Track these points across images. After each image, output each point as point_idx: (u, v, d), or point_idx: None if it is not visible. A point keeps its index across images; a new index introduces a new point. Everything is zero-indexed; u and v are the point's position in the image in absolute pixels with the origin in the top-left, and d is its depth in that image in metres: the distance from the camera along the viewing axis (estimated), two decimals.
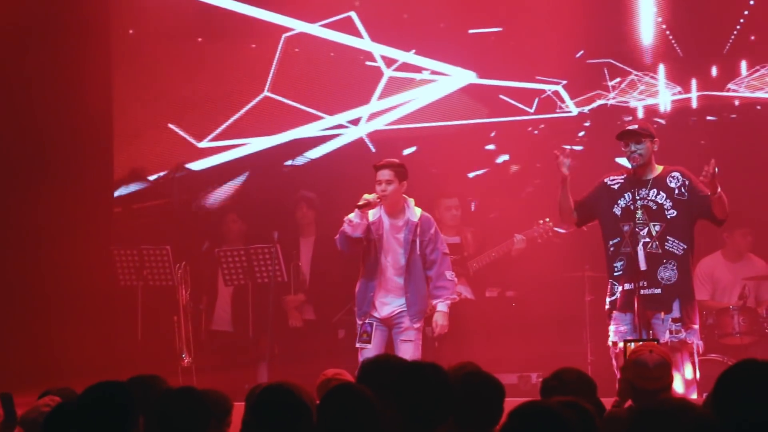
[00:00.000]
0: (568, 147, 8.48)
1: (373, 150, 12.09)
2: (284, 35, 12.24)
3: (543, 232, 10.68)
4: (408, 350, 8.52)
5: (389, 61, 12.17)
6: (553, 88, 11.92)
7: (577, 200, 8.32)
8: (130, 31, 12.39)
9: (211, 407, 4.59)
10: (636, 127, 8.21)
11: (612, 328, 8.12)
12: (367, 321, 8.60)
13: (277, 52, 12.24)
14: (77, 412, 4.16)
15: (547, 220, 10.72)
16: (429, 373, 4.34)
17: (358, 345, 8.57)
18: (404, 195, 8.73)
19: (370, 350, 8.43)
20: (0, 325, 11.16)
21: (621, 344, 7.73)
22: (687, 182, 8.05)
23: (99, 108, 12.15)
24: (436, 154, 11.78)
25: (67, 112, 11.69)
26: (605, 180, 8.27)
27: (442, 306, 8.65)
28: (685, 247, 8.04)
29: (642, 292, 7.93)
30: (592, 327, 9.61)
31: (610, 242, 8.19)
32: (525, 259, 10.90)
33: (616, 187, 8.19)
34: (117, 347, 11.15)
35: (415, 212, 8.68)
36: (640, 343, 6.18)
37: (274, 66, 12.26)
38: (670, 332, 7.92)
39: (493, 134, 12.10)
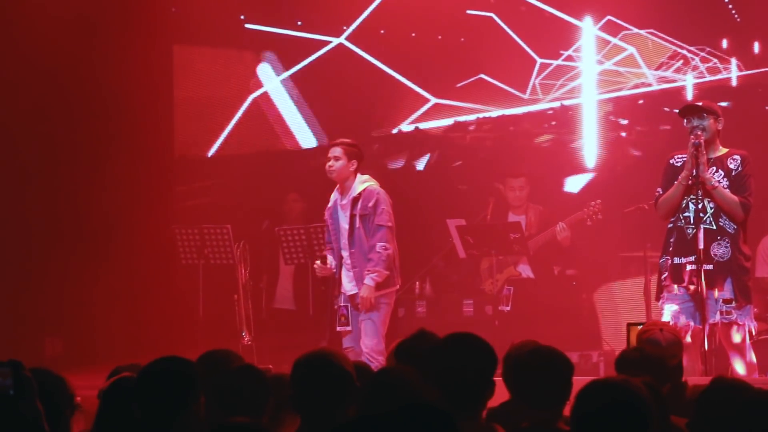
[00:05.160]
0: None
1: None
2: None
3: (592, 213, 10.64)
4: (365, 329, 8.62)
5: None
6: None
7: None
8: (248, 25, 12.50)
9: (271, 387, 4.60)
10: (700, 104, 8.09)
11: (666, 306, 7.95)
12: (342, 304, 8.76)
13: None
14: (139, 385, 4.18)
15: (598, 201, 10.68)
16: (458, 344, 4.29)
17: (338, 328, 8.79)
18: (357, 173, 8.77)
19: (351, 333, 8.70)
20: (63, 303, 11.29)
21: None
22: (740, 169, 7.89)
23: (160, 87, 12.25)
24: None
25: (129, 92, 11.76)
26: (670, 161, 8.14)
27: (366, 280, 8.61)
28: (736, 227, 7.87)
29: (692, 267, 7.78)
30: (654, 306, 9.54)
31: (671, 217, 8.06)
32: (586, 239, 10.85)
33: (679, 164, 8.04)
34: (178, 326, 11.25)
35: (358, 187, 8.71)
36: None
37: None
38: (721, 313, 7.78)
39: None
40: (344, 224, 8.76)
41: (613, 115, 12.03)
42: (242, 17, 12.54)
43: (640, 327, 5.90)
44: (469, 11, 12.08)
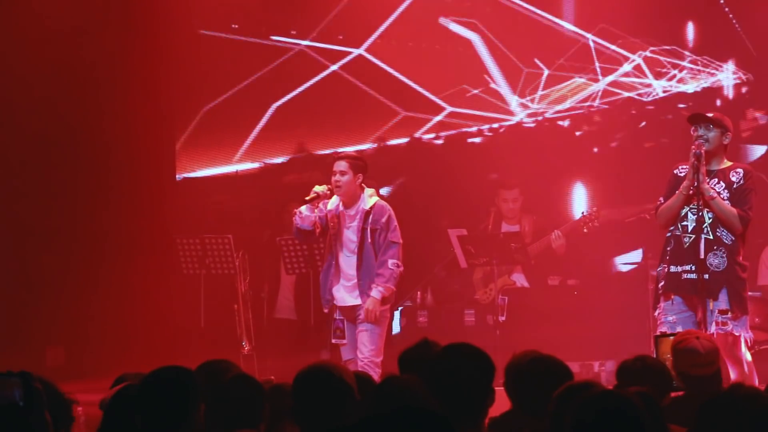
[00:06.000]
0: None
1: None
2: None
3: (589, 221, 10.61)
4: (363, 338, 8.64)
5: None
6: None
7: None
8: (202, 31, 12.46)
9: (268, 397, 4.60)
10: (710, 114, 8.05)
11: (662, 316, 7.91)
12: (338, 317, 8.79)
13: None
14: (140, 395, 4.19)
15: (595, 209, 10.66)
16: (455, 354, 4.30)
17: (333, 341, 8.85)
18: (363, 186, 8.80)
19: (346, 346, 8.74)
20: (65, 313, 11.29)
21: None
22: (742, 182, 7.87)
23: (160, 99, 12.26)
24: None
25: (130, 105, 11.78)
26: (674, 171, 8.12)
27: (374, 292, 8.63)
28: (733, 238, 7.87)
29: (687, 276, 7.78)
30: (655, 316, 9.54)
31: (670, 227, 8.04)
32: (587, 248, 10.84)
33: (683, 174, 8.02)
34: (180, 335, 11.25)
35: (368, 201, 8.75)
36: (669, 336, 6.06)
37: None
38: (717, 324, 7.76)
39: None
40: (351, 235, 8.75)
41: (606, 124, 12.03)
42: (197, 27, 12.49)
43: (671, 338, 5.85)
44: (454, 19, 12.07)
